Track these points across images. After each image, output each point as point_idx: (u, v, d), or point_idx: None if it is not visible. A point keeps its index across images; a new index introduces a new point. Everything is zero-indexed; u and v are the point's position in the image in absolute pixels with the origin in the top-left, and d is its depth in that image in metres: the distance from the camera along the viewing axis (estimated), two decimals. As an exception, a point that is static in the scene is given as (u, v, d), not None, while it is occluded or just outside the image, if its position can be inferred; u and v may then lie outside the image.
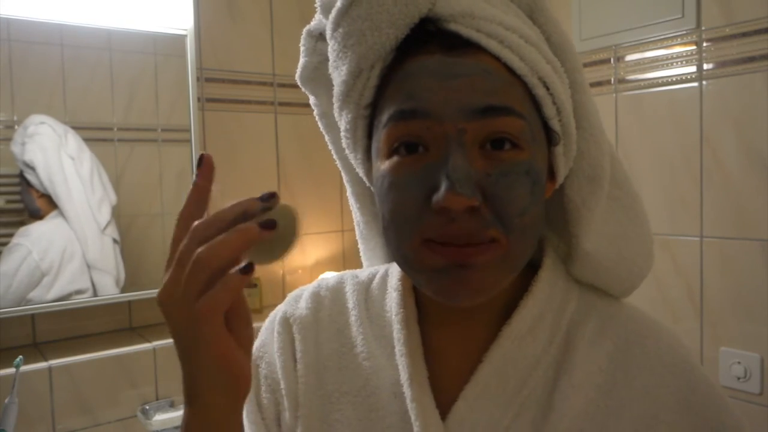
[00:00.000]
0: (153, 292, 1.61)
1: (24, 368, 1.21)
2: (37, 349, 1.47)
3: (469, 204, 0.45)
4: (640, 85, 1.53)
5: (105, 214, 1.57)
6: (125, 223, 1.61)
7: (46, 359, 1.38)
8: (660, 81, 1.49)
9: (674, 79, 1.46)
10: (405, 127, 0.48)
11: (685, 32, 1.43)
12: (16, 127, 1.46)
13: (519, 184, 0.47)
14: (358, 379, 0.57)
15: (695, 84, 1.42)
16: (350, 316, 0.61)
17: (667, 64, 1.47)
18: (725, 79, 1.37)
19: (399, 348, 0.55)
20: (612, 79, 1.58)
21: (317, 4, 0.57)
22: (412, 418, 0.51)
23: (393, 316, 0.58)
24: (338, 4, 0.50)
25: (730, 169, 1.37)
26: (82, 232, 1.53)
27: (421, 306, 0.59)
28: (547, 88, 0.50)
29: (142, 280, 1.62)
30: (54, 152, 1.50)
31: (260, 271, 1.84)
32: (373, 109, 0.52)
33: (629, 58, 1.55)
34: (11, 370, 1.16)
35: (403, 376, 0.54)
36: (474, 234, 0.46)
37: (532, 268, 0.57)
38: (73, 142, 1.53)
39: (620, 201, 0.59)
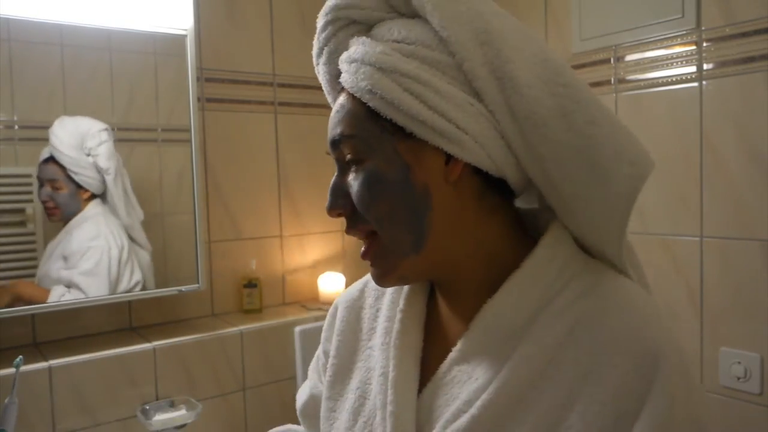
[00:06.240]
0: (153, 293, 1.60)
1: (24, 368, 1.21)
2: (37, 349, 1.47)
3: (335, 212, 0.61)
4: (640, 85, 1.53)
5: (140, 213, 1.63)
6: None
7: (46, 359, 1.38)
8: (660, 81, 1.49)
9: (674, 79, 1.46)
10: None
11: (685, 32, 1.43)
12: (16, 127, 1.46)
13: (360, 186, 0.58)
14: (377, 338, 0.70)
15: (695, 84, 1.42)
16: (384, 302, 0.72)
17: (667, 64, 1.47)
18: (725, 79, 1.37)
19: (393, 339, 0.66)
20: (612, 79, 1.58)
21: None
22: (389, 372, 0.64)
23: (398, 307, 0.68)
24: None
25: (730, 169, 1.37)
26: (132, 227, 1.61)
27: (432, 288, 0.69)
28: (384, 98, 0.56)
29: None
30: (113, 156, 1.56)
31: (260, 271, 1.84)
32: None
33: (629, 58, 1.55)
34: (11, 370, 1.16)
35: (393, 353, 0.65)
36: (352, 229, 0.62)
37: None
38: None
39: (583, 151, 0.54)
